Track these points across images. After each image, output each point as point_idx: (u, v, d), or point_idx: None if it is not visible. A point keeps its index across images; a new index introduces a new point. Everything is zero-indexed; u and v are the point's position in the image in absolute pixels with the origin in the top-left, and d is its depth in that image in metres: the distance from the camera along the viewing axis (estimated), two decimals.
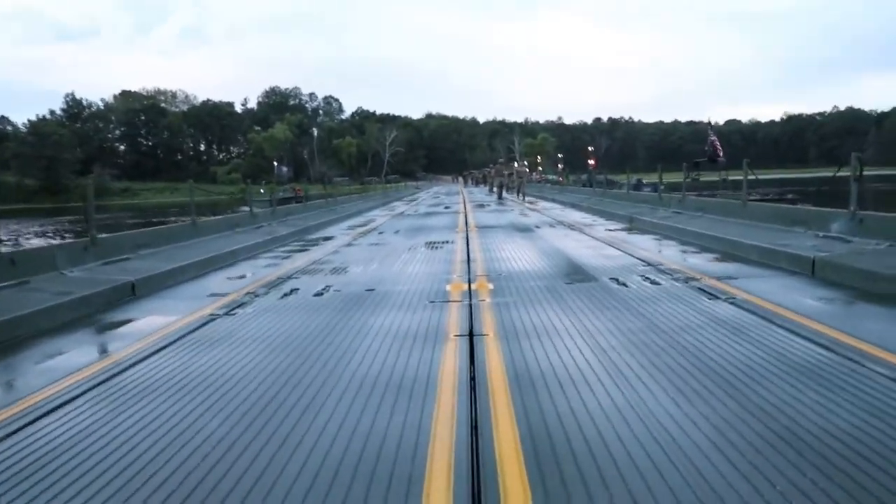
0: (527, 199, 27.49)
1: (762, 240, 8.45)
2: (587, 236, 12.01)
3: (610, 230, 13.08)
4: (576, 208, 20.88)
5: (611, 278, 7.22)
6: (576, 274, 7.66)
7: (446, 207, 25.28)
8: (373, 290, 7.10)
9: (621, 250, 9.66)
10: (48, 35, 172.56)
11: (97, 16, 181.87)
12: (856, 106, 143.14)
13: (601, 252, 9.60)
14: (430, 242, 11.91)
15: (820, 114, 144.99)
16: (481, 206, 25.54)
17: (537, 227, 14.58)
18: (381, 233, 14.70)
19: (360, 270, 8.61)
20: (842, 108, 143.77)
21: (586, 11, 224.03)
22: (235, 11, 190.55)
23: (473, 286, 7.02)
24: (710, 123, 25.95)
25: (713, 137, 24.42)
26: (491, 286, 6.97)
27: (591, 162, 50.19)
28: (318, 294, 6.98)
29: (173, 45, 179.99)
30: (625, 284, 6.81)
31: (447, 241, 11.93)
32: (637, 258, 8.76)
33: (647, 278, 7.12)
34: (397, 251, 10.76)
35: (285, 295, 7.01)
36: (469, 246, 10.97)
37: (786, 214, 9.55)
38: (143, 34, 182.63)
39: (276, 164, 46.92)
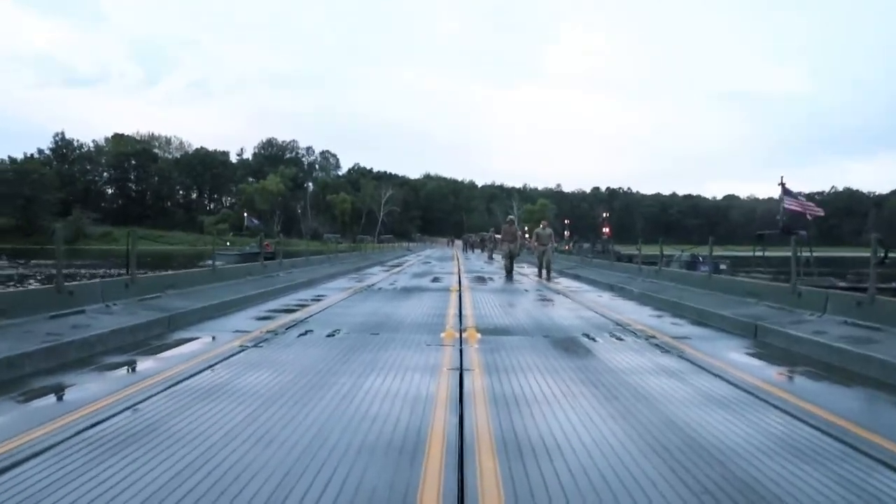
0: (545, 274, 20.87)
1: None
2: (722, 381, 5.49)
3: (742, 360, 6.62)
4: (618, 293, 14.46)
5: None
6: None
7: (434, 280, 18.75)
8: None
9: None
10: (56, 79, 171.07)
11: (107, 64, 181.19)
12: (853, 187, 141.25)
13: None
14: (378, 383, 5.40)
15: (818, 193, 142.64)
16: (481, 279, 19.05)
17: (589, 336, 8.07)
18: (305, 332, 8.16)
19: None
20: (840, 188, 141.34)
21: (588, 83, 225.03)
22: (240, 67, 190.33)
23: None
24: (782, 185, 18.75)
25: (790, 200, 18.19)
26: None
27: (606, 230, 44.07)
28: None
29: (176, 95, 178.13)
30: None
31: (417, 380, 5.41)
32: None
33: None
34: (273, 435, 4.25)
35: None
36: (464, 407, 4.48)
37: None
38: (149, 84, 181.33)
39: (245, 215, 40.77)
